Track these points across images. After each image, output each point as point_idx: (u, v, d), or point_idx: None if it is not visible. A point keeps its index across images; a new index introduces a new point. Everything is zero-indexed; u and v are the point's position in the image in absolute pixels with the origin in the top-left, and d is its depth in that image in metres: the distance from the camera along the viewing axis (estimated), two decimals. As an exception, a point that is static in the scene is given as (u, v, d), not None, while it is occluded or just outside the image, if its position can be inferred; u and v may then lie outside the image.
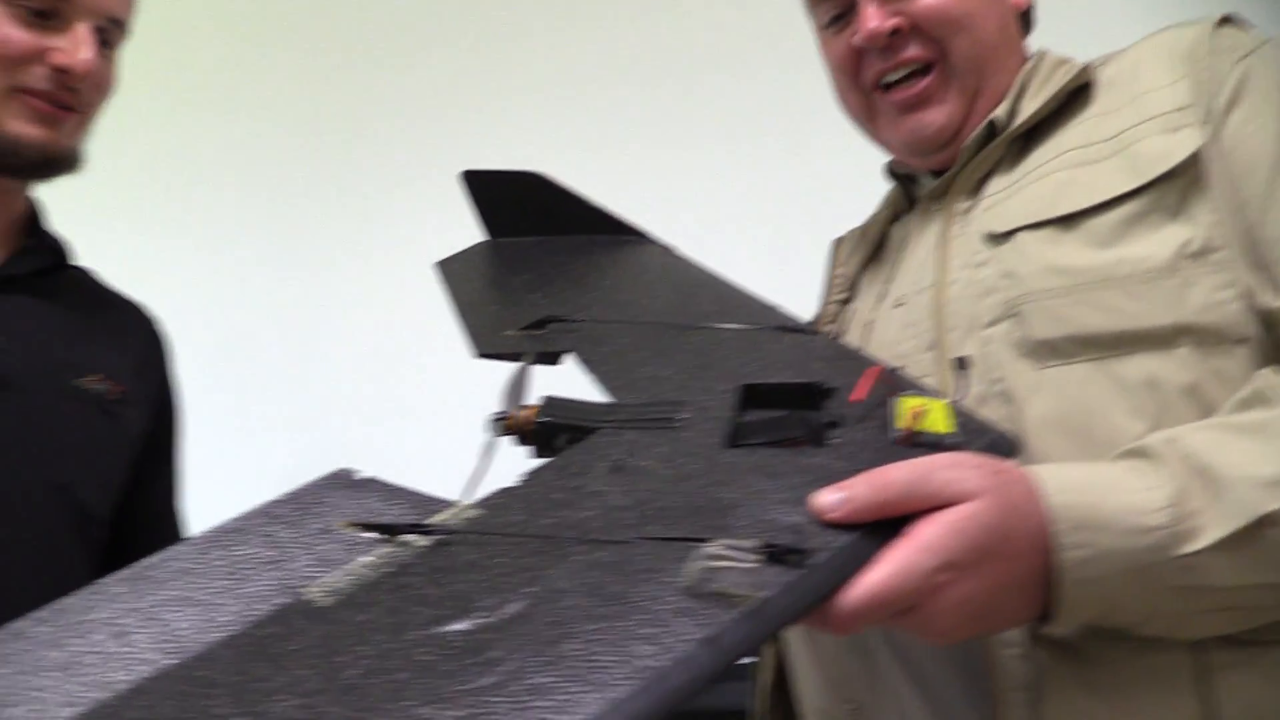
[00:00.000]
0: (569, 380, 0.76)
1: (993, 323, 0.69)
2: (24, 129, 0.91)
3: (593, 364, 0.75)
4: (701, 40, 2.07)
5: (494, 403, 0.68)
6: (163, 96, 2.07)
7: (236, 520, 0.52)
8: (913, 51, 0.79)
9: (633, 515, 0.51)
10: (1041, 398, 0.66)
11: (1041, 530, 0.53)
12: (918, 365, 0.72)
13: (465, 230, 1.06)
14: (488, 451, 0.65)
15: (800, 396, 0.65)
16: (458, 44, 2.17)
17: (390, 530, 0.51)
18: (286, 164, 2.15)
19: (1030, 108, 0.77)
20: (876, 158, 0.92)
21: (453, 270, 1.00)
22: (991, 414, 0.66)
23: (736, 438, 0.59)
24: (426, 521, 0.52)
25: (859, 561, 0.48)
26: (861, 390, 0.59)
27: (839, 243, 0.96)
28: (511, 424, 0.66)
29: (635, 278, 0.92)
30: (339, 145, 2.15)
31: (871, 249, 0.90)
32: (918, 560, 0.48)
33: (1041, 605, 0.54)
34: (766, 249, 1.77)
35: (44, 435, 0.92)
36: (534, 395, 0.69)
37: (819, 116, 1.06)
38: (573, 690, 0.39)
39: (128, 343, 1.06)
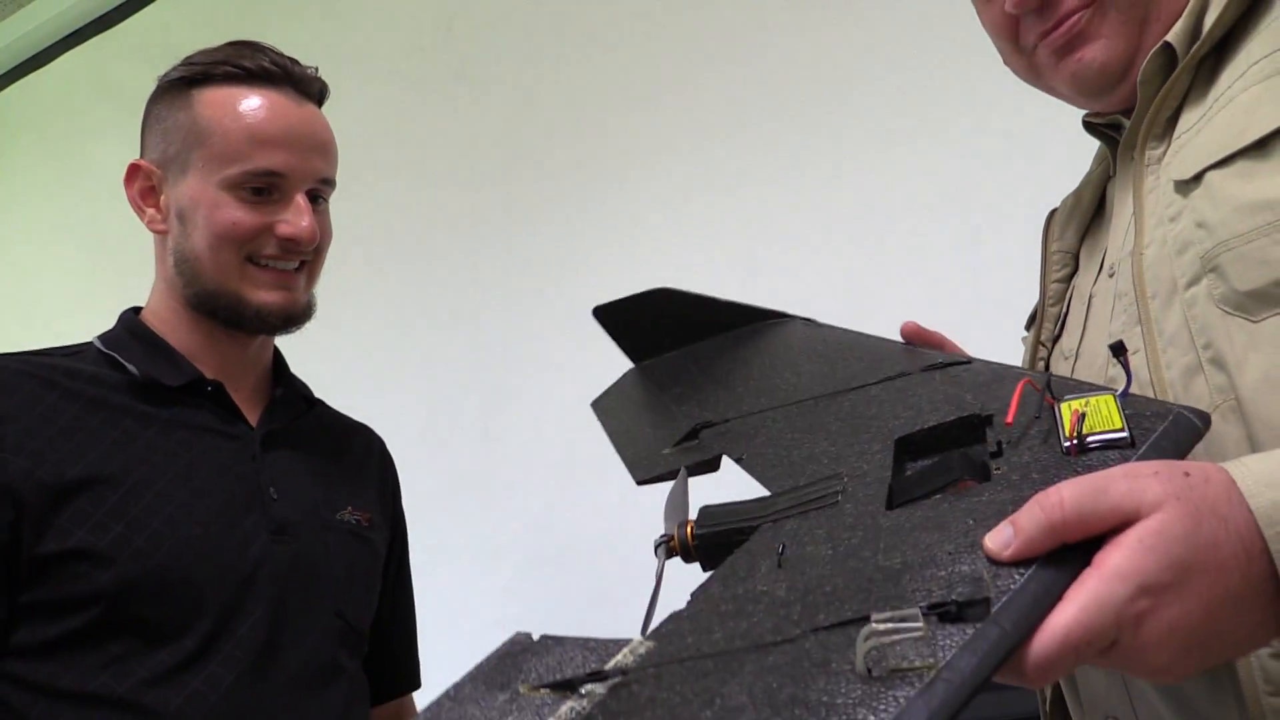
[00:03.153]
0: (733, 480, 0.74)
1: (1192, 282, 0.61)
2: (265, 296, 1.04)
3: (747, 460, 0.73)
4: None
5: (660, 527, 0.67)
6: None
7: (426, 712, 0.53)
8: (1070, 3, 0.72)
9: (799, 609, 0.48)
10: (1257, 356, 0.58)
11: (1250, 532, 0.45)
12: (1131, 341, 0.64)
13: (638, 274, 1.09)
14: (659, 579, 0.64)
15: (958, 434, 0.60)
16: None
17: (569, 685, 0.51)
18: (467, 237, 2.34)
19: (1212, 19, 0.67)
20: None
21: (606, 406, 1.01)
22: (1204, 385, 0.59)
23: (896, 497, 0.56)
24: (605, 668, 0.51)
25: (1045, 599, 0.43)
26: (1013, 408, 0.54)
27: (1052, 215, 0.87)
28: (675, 544, 0.64)
29: (779, 360, 0.90)
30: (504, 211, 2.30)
31: (1088, 215, 0.81)
32: (1108, 590, 0.42)
33: (1276, 619, 0.46)
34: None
35: (319, 569, 1.04)
36: (695, 507, 0.68)
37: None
38: None
39: (367, 471, 1.18)
